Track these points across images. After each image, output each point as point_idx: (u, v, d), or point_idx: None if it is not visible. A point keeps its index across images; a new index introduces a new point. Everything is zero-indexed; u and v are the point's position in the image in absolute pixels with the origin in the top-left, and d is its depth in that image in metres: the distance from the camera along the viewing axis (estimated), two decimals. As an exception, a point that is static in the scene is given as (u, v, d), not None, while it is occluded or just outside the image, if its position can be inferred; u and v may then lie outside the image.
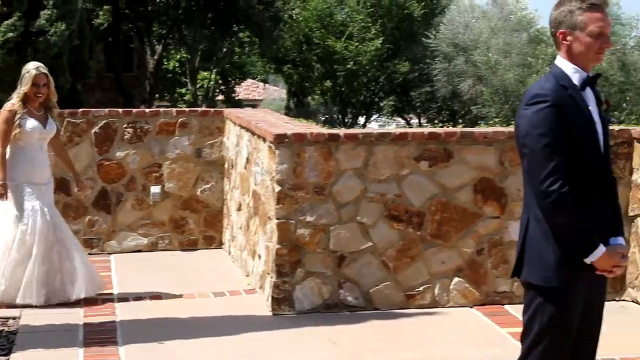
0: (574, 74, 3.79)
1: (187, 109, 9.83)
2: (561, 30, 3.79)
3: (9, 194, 7.20)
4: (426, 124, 38.97)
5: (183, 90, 41.76)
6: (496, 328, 6.69)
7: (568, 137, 3.67)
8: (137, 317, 6.94)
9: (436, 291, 7.19)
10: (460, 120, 35.63)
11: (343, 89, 37.85)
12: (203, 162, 9.35)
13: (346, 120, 39.49)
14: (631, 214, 7.30)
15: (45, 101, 7.41)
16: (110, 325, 6.73)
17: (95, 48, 27.03)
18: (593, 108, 3.82)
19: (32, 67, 7.33)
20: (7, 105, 7.31)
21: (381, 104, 41.57)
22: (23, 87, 7.28)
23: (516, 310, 6.65)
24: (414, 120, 42.13)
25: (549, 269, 3.74)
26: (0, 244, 7.23)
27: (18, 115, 7.23)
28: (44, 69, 7.34)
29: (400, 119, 43.43)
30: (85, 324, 6.73)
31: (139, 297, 7.54)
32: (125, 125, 9.20)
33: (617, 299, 7.39)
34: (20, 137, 7.24)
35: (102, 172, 9.15)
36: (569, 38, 3.78)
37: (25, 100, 7.29)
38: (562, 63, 3.82)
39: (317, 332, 6.57)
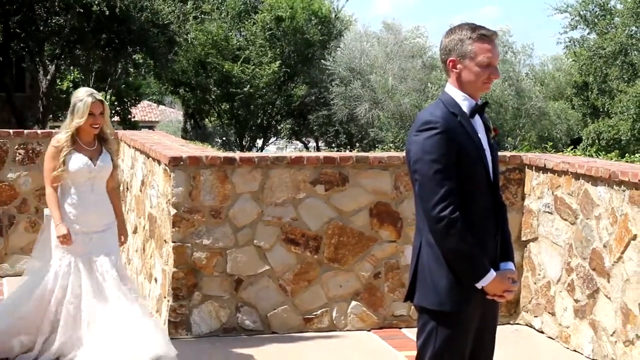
0: (463, 101, 3.86)
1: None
2: (451, 58, 3.85)
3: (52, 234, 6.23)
4: (324, 147, 39.22)
5: (78, 111, 41.05)
6: (393, 351, 6.75)
7: (458, 163, 3.73)
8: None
9: (334, 315, 7.21)
10: (357, 144, 35.99)
11: (240, 111, 37.83)
12: (97, 185, 9.19)
13: (244, 143, 39.45)
14: (524, 239, 7.46)
15: (100, 132, 6.33)
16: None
17: (-15, 67, 26.41)
18: (482, 135, 3.88)
19: (85, 95, 6.20)
20: (54, 140, 6.23)
21: (279, 127, 41.69)
22: (77, 119, 6.16)
23: (413, 334, 6.66)
24: (312, 144, 42.36)
25: (441, 293, 3.77)
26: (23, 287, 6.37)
27: (64, 152, 6.14)
28: (98, 95, 6.25)
29: (298, 142, 43.61)
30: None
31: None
32: (16, 147, 9.01)
33: (511, 322, 7.53)
34: (66, 176, 6.17)
35: (-7, 195, 8.93)
36: (458, 66, 3.84)
37: (76, 133, 6.21)
38: (452, 90, 3.89)
39: (214, 356, 6.51)
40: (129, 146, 8.69)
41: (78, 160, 6.14)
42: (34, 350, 6.11)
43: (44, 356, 6.08)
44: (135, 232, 8.47)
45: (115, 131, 9.90)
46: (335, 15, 39.75)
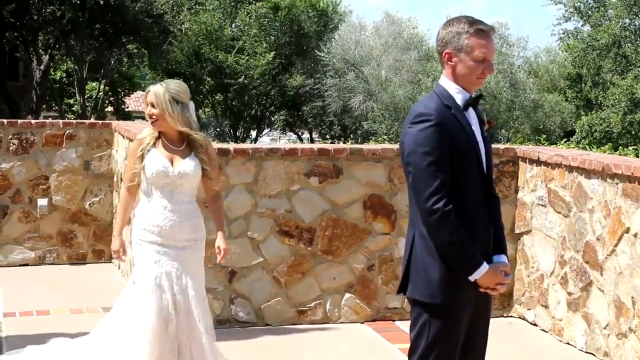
0: (457, 94, 3.85)
1: (74, 121, 9.67)
2: (447, 51, 3.85)
3: (132, 254, 5.35)
4: (318, 139, 39.23)
5: (71, 101, 41.06)
6: (387, 344, 6.76)
7: (451, 155, 3.73)
8: (24, 333, 6.76)
9: (327, 307, 7.22)
10: (351, 136, 36.01)
11: (234, 102, 37.81)
12: (91, 175, 9.22)
13: (238, 134, 39.44)
14: (517, 231, 7.47)
15: (178, 131, 5.25)
16: (-5, 341, 6.53)
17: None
18: (475, 128, 3.88)
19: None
20: (139, 135, 5.41)
21: (273, 118, 41.68)
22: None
23: (406, 326, 6.66)
24: (306, 135, 42.35)
25: (434, 286, 3.78)
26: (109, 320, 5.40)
27: (142, 145, 5.26)
28: (156, 86, 5.27)
29: (292, 134, 43.60)
30: (-32, 340, 6.52)
31: (25, 312, 7.35)
32: (10, 137, 8.99)
33: (504, 315, 7.55)
34: (145, 178, 5.25)
35: (-14, 185, 8.92)
36: (454, 59, 3.84)
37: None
38: (446, 83, 3.88)
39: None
40: (123, 136, 8.68)
41: (155, 161, 5.20)
42: None
43: None
44: (128, 223, 8.46)
45: (109, 121, 9.89)
46: (333, 9, 39.73)
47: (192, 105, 5.31)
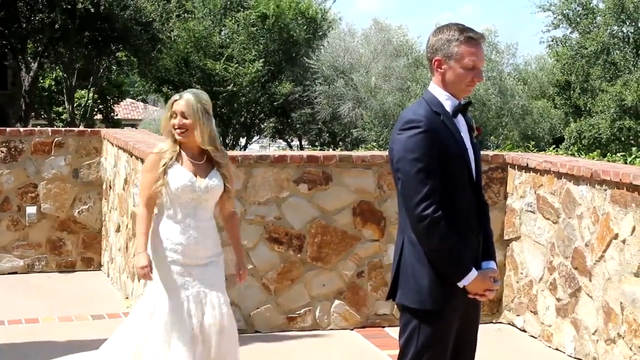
0: (446, 100, 3.86)
1: (63, 129, 9.66)
2: (437, 58, 3.86)
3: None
4: (307, 146, 39.22)
5: (60, 109, 40.98)
6: (376, 350, 6.76)
7: (440, 162, 3.74)
8: (13, 341, 6.74)
9: (317, 314, 7.22)
10: (340, 143, 36.02)
11: (224, 110, 37.76)
12: (80, 183, 9.21)
13: (227, 141, 39.40)
14: (506, 237, 7.49)
15: (199, 145, 5.00)
16: (-17, 350, 6.51)
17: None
18: (465, 135, 3.89)
19: (178, 94, 5.07)
20: (155, 148, 5.09)
21: (262, 126, 41.66)
22: (164, 120, 5.05)
23: (396, 333, 6.66)
24: (295, 142, 42.36)
25: (423, 292, 3.78)
26: (129, 345, 5.02)
27: (164, 159, 4.94)
28: (188, 95, 4.97)
29: (281, 141, 43.60)
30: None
31: (14, 320, 7.33)
32: (-2, 145, 8.97)
33: (494, 321, 7.56)
34: (166, 194, 4.96)
35: (-26, 193, 8.90)
36: (443, 66, 3.85)
37: (180, 143, 5.00)
38: (435, 90, 3.89)
39: (196, 355, 6.48)
40: (112, 144, 8.68)
41: (181, 175, 4.92)
42: None
43: None
44: (118, 230, 8.45)
45: (97, 129, 9.87)
46: (322, 16, 39.75)
47: (212, 118, 5.09)
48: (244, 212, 6.98)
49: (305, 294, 7.18)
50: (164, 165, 4.91)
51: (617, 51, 34.40)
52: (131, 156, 7.74)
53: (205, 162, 5.02)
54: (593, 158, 8.01)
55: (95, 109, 40.74)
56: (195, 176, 4.94)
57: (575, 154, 8.89)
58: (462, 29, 3.84)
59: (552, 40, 37.24)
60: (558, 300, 6.83)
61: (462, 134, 3.87)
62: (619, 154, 8.20)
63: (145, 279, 4.90)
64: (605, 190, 6.25)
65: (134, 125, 40.88)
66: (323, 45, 34.85)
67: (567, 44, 36.26)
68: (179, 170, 4.92)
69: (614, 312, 6.13)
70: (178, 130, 4.92)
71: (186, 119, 4.91)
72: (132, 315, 5.10)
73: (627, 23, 34.29)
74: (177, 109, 4.93)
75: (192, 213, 4.95)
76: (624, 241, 6.03)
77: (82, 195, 9.24)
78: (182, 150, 4.98)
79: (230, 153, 7.23)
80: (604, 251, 6.24)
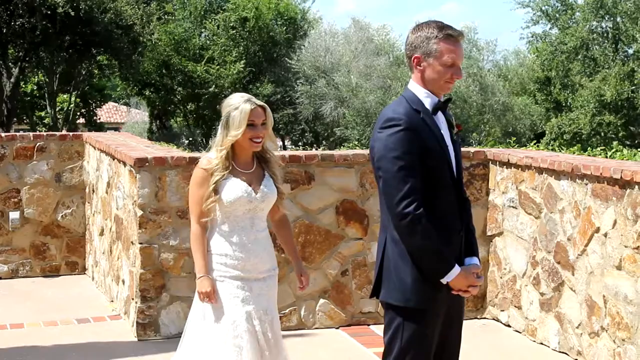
0: (426, 98, 3.88)
1: (44, 133, 9.63)
2: (416, 55, 3.87)
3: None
4: (290, 146, 39.23)
5: (42, 114, 40.84)
6: (362, 348, 6.78)
7: (421, 160, 3.76)
8: (-3, 347, 6.74)
9: (302, 313, 7.24)
10: (324, 142, 36.03)
11: (206, 112, 37.71)
12: (63, 187, 9.19)
13: (210, 143, 39.33)
14: (489, 233, 7.53)
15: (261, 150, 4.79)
16: (-32, 357, 6.49)
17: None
18: (445, 132, 3.91)
19: (241, 101, 4.65)
20: (203, 161, 4.73)
21: (245, 127, 41.57)
22: (233, 132, 4.62)
23: (381, 330, 6.70)
24: (278, 143, 42.35)
25: (407, 289, 3.81)
26: None
27: (217, 177, 4.63)
28: (258, 101, 4.71)
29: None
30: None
31: (-2, 327, 7.32)
32: (-20, 151, 8.94)
33: (478, 317, 7.60)
34: (218, 209, 4.68)
35: (-43, 199, 8.87)
36: (422, 64, 3.87)
37: (231, 152, 4.70)
38: (415, 87, 3.91)
39: (182, 357, 6.49)
40: (94, 148, 8.66)
41: (235, 187, 4.64)
42: None
43: None
44: (101, 234, 8.45)
45: (79, 133, 9.85)
46: (302, 16, 39.75)
47: None
48: (227, 213, 6.98)
49: (290, 294, 7.19)
50: (214, 183, 4.62)
51: (596, 46, 34.57)
52: (113, 159, 7.74)
53: (256, 169, 4.76)
54: (574, 153, 8.05)
55: (78, 113, 40.59)
56: (250, 185, 4.67)
57: (556, 149, 8.93)
58: (441, 27, 3.87)
59: (532, 36, 37.40)
60: (542, 294, 6.87)
61: (442, 131, 3.89)
62: (599, 149, 8.24)
63: (211, 302, 4.64)
64: (586, 184, 6.29)
65: (116, 129, 40.76)
66: (304, 46, 34.85)
67: (546, 40, 36.43)
68: (232, 182, 4.64)
69: (597, 305, 6.18)
70: (257, 140, 4.65)
71: (265, 128, 4.68)
72: (190, 337, 4.85)
73: (606, 18, 34.47)
74: (257, 118, 4.63)
75: (250, 225, 4.69)
76: (605, 235, 6.08)
77: (65, 199, 9.22)
78: (233, 161, 4.69)
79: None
80: (586, 245, 6.28)
